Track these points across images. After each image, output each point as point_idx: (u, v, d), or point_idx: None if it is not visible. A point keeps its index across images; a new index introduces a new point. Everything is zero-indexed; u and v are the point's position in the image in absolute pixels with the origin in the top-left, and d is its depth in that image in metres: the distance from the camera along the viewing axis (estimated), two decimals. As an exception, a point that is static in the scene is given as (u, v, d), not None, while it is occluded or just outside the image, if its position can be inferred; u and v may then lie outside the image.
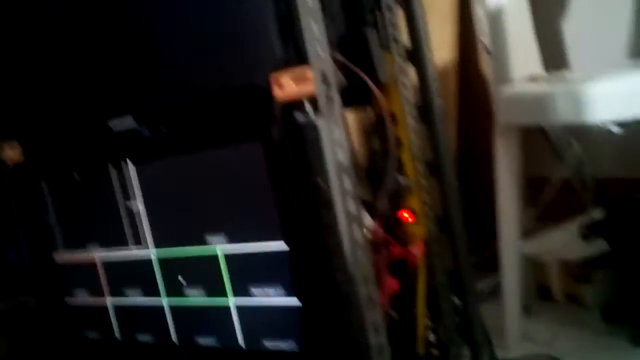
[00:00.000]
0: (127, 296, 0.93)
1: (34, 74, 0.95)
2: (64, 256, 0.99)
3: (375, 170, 0.87)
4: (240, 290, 0.80)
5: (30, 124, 0.97)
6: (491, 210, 1.26)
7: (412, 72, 0.92)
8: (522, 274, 1.20)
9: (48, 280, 1.04)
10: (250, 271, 0.79)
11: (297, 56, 0.69)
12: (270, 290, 0.77)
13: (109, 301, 0.95)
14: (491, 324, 1.11)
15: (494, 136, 1.20)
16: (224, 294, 0.82)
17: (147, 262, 0.89)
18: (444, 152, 0.94)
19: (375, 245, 0.82)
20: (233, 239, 0.79)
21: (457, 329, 0.95)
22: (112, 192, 0.89)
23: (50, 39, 0.91)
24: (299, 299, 0.75)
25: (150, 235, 0.87)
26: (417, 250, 0.87)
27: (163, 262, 0.87)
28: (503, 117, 1.15)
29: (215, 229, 0.80)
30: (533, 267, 1.48)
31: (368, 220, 0.81)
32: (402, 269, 0.87)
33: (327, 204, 0.72)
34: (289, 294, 0.76)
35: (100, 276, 0.95)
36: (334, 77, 0.71)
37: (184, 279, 0.85)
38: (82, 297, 0.99)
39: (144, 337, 0.93)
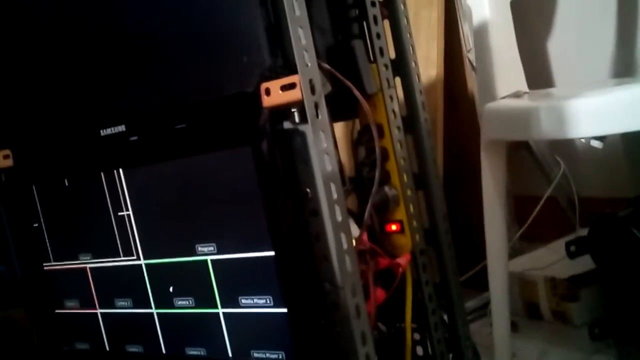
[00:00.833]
0: (117, 306, 0.92)
1: (25, 81, 0.95)
2: (55, 267, 0.98)
3: (362, 181, 0.88)
4: (230, 300, 0.80)
5: (22, 130, 0.97)
6: (479, 229, 1.26)
7: (398, 84, 0.93)
8: (509, 292, 1.20)
9: (38, 291, 1.03)
10: (239, 281, 0.78)
11: (285, 65, 0.70)
12: (259, 301, 0.77)
13: (99, 312, 0.94)
14: (479, 342, 1.11)
15: (480, 152, 1.22)
16: (213, 304, 0.81)
17: (138, 272, 0.88)
18: (430, 164, 0.95)
19: (363, 256, 0.82)
20: (222, 248, 0.79)
21: (446, 343, 0.95)
22: (103, 201, 0.89)
23: (39, 46, 0.92)
24: (288, 309, 0.74)
25: (140, 245, 0.87)
26: (403, 261, 0.87)
27: (153, 272, 0.87)
28: (488, 132, 1.16)
29: (205, 239, 0.80)
30: (521, 285, 1.49)
31: (355, 230, 0.81)
32: (389, 280, 0.87)
33: (315, 212, 0.72)
34: (278, 304, 0.75)
35: (91, 286, 0.95)
36: (322, 86, 0.72)
37: (173, 289, 0.85)
38: (72, 308, 0.99)
39: (134, 348, 0.92)
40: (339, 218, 0.72)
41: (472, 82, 1.48)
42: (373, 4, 0.89)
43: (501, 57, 1.22)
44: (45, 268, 1.01)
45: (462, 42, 1.48)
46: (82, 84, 0.88)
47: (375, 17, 0.89)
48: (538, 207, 1.55)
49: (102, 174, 0.89)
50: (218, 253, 0.79)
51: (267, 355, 0.77)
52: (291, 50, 0.69)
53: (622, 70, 1.50)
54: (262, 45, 0.71)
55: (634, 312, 1.14)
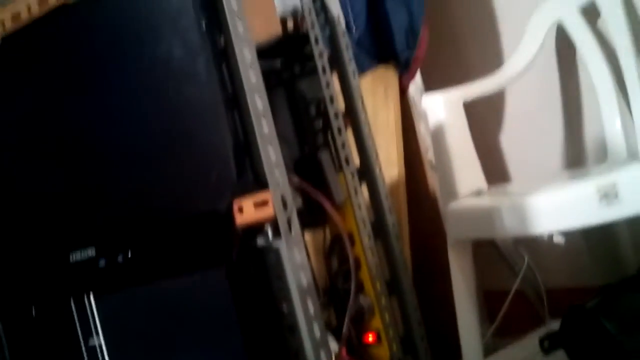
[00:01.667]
0: None
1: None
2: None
3: (337, 292, 0.87)
4: None
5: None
6: (452, 328, 1.25)
7: (364, 191, 0.94)
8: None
9: None
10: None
11: (256, 182, 0.70)
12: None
13: None
14: None
15: (445, 250, 1.23)
16: None
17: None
18: (402, 269, 0.95)
19: (342, 370, 0.80)
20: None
21: None
22: (73, 328, 0.85)
23: (5, 176, 0.90)
24: None
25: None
26: (383, 372, 0.85)
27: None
28: (453, 232, 1.17)
29: (179, 362, 0.77)
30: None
31: (333, 344, 0.79)
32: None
33: (292, 329, 0.70)
34: None
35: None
36: (293, 200, 0.72)
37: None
38: None
39: None
40: (317, 334, 0.70)
41: (433, 181, 1.51)
42: (336, 116, 0.91)
43: (459, 156, 1.26)
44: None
45: (420, 141, 1.52)
46: (49, 208, 0.86)
47: (339, 128, 0.91)
48: (507, 302, 1.55)
49: (71, 301, 0.85)
50: (193, 375, 0.76)
51: None
52: (261, 167, 0.70)
53: (573, 160, 1.56)
54: (232, 163, 0.71)
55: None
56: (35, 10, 0.82)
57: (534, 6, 1.49)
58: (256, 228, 0.71)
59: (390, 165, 1.39)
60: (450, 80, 1.41)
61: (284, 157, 0.75)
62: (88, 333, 0.84)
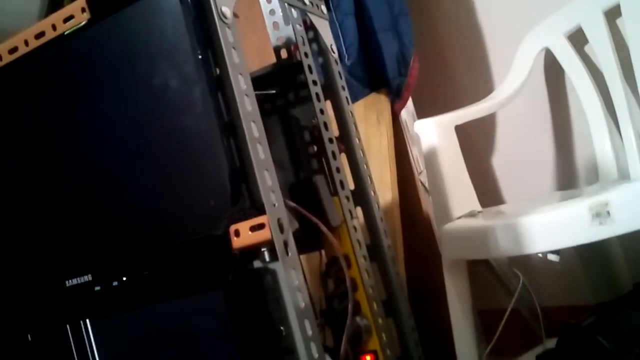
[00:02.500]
0: None
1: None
2: None
3: (333, 313, 0.88)
4: None
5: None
6: (449, 348, 1.26)
7: (360, 214, 0.96)
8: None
9: None
10: None
11: (252, 206, 0.72)
12: None
13: None
14: None
15: (440, 272, 1.24)
16: None
17: None
18: (398, 291, 0.96)
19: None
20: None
21: None
22: (69, 353, 0.85)
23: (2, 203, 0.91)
24: None
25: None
26: (381, 393, 0.85)
27: None
28: (448, 253, 1.19)
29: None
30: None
31: (331, 365, 0.80)
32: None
33: (290, 350, 0.71)
34: None
35: None
36: (289, 223, 0.74)
37: None
38: None
39: None
40: (315, 355, 0.71)
41: (426, 203, 1.53)
42: (330, 141, 0.93)
43: (452, 179, 1.28)
44: None
45: (413, 166, 1.54)
46: (46, 235, 0.87)
47: (333, 153, 0.93)
48: (503, 321, 1.56)
49: (67, 326, 0.86)
50: (192, 400, 0.77)
51: None
52: (258, 191, 0.72)
53: (564, 182, 1.59)
54: (228, 189, 0.73)
55: None
56: (33, 43, 0.85)
57: (523, 33, 1.53)
58: (253, 251, 0.72)
59: (384, 189, 1.41)
60: (442, 106, 1.44)
61: (280, 183, 0.76)
62: (84, 358, 0.84)
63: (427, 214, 1.55)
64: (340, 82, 0.99)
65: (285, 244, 0.72)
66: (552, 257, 1.02)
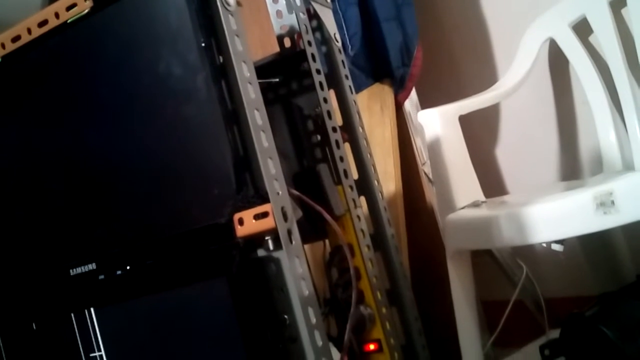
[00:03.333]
0: None
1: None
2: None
3: (337, 302, 0.88)
4: None
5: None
6: (453, 338, 1.26)
7: (363, 203, 0.96)
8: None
9: None
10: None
11: (256, 194, 0.72)
12: None
13: None
14: None
15: (444, 262, 1.24)
16: None
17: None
18: (401, 279, 0.96)
19: (344, 380, 0.80)
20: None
21: None
22: (74, 344, 0.86)
23: (5, 190, 0.91)
24: None
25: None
26: (385, 381, 0.86)
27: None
28: (452, 243, 1.19)
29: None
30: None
31: (335, 354, 0.80)
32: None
33: (294, 339, 0.71)
34: None
35: None
36: (293, 212, 0.74)
37: None
38: None
39: None
40: (319, 343, 0.71)
41: (430, 194, 1.53)
42: (334, 130, 0.93)
43: (456, 169, 1.28)
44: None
45: (417, 156, 1.54)
46: (50, 224, 0.88)
47: (337, 142, 0.93)
48: (506, 312, 1.56)
49: (72, 315, 0.86)
50: (196, 388, 0.77)
51: None
52: (261, 180, 0.71)
53: (568, 173, 1.58)
54: (232, 177, 0.73)
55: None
56: (36, 31, 0.84)
57: (527, 23, 1.52)
58: (257, 240, 0.72)
59: (387, 179, 1.41)
60: (446, 96, 1.44)
61: (284, 172, 0.76)
62: (89, 347, 0.85)
63: (430, 205, 1.55)
64: (344, 71, 0.99)
65: (289, 232, 0.72)
66: (556, 247, 1.02)
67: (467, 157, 1.32)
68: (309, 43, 0.93)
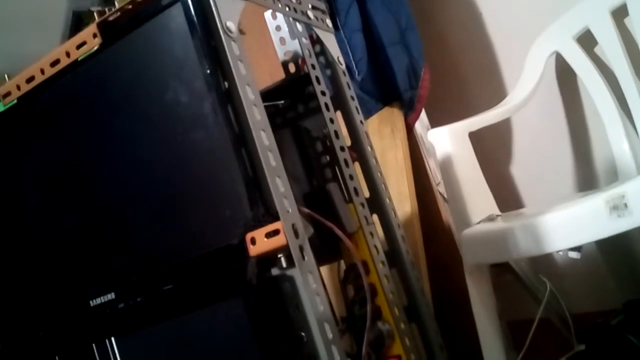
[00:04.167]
0: None
1: (10, 267, 0.95)
2: None
3: (354, 319, 0.88)
4: None
5: (9, 314, 0.96)
6: (477, 356, 1.25)
7: (376, 220, 0.96)
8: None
9: None
10: None
11: (267, 213, 0.73)
12: None
13: None
14: None
15: (464, 280, 1.23)
16: None
17: None
18: (419, 295, 0.96)
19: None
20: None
21: None
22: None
23: (25, 227, 0.93)
24: None
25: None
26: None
27: None
28: (469, 258, 1.18)
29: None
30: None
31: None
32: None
33: (312, 356, 0.71)
34: None
35: None
36: (304, 229, 0.74)
37: None
38: None
39: None
40: (337, 359, 0.71)
41: (446, 214, 1.53)
42: (342, 149, 0.95)
43: (469, 185, 1.28)
44: None
45: (430, 177, 1.54)
46: (67, 256, 0.89)
47: (346, 161, 0.94)
48: (532, 330, 1.54)
49: (93, 345, 0.87)
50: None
51: None
52: (271, 198, 0.73)
53: (584, 184, 1.58)
54: (243, 198, 0.74)
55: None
56: (49, 71, 0.88)
57: (531, 38, 1.54)
58: (270, 259, 0.73)
59: (402, 200, 1.41)
60: (456, 116, 1.45)
61: (295, 193, 0.77)
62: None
63: (447, 225, 1.55)
64: (349, 92, 1.01)
65: (301, 248, 0.72)
66: (573, 255, 1.01)
67: (479, 173, 1.33)
68: (313, 66, 0.95)
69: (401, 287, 0.95)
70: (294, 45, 0.98)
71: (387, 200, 0.99)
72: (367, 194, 0.98)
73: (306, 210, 0.80)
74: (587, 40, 1.47)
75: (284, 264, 0.72)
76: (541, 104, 1.56)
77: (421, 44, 1.53)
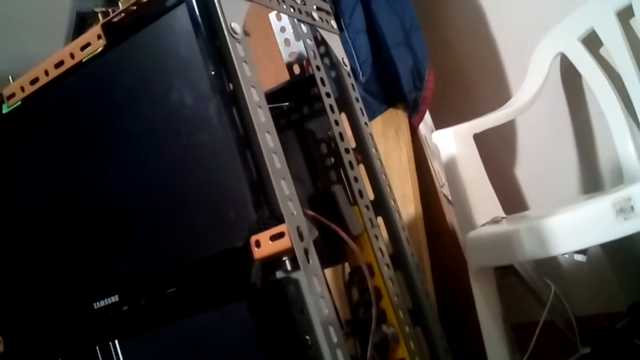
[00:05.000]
0: None
1: (15, 267, 0.95)
2: None
3: (359, 323, 0.87)
4: None
5: (13, 315, 0.96)
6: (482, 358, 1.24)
7: (380, 223, 0.96)
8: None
9: None
10: None
11: (271, 215, 0.72)
12: None
13: None
14: None
15: (468, 283, 1.22)
16: None
17: None
18: (424, 297, 0.95)
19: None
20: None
21: None
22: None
23: (28, 228, 0.93)
24: None
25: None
26: (412, 401, 0.84)
27: None
28: (474, 260, 1.18)
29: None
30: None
31: (359, 373, 0.79)
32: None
33: (316, 359, 0.71)
34: None
35: None
36: (309, 232, 0.74)
37: None
38: None
39: None
40: (342, 362, 0.71)
41: (451, 216, 1.53)
42: (347, 151, 0.94)
43: (473, 187, 1.28)
44: None
45: (435, 179, 1.54)
46: (71, 259, 0.89)
47: (350, 163, 0.93)
48: (536, 333, 1.53)
49: (97, 348, 0.87)
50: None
51: None
52: (276, 201, 0.72)
53: (589, 186, 1.57)
54: (247, 200, 0.73)
55: None
56: (53, 72, 0.87)
57: (536, 39, 1.53)
58: (275, 261, 0.72)
59: (407, 203, 1.41)
60: (460, 118, 1.44)
61: (299, 196, 0.77)
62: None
63: (452, 227, 1.54)
64: (354, 94, 1.00)
65: (306, 251, 0.72)
66: (579, 258, 1.01)
67: (484, 175, 1.32)
68: (318, 68, 0.95)
69: (406, 290, 0.95)
70: (298, 47, 0.98)
71: (392, 203, 0.98)
72: (371, 196, 0.97)
73: (311, 212, 0.80)
74: (592, 42, 1.46)
75: (289, 267, 0.71)
76: (546, 105, 1.56)
77: (426, 45, 1.53)
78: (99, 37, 0.84)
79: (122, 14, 0.81)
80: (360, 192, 0.93)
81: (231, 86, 0.75)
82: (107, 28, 0.83)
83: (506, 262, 1.26)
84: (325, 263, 0.84)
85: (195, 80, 0.77)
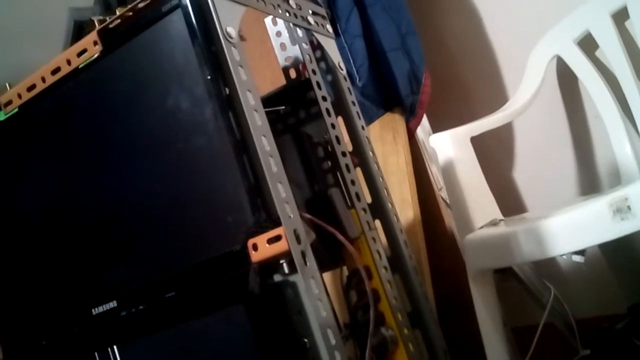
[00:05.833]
0: None
1: (12, 275, 0.95)
2: None
3: (357, 325, 0.87)
4: None
5: (11, 322, 0.96)
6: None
7: (378, 226, 0.96)
8: None
9: None
10: None
11: (268, 219, 0.72)
12: None
13: None
14: None
15: (467, 286, 1.22)
16: None
17: None
18: (422, 300, 0.95)
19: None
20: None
21: None
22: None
23: (27, 236, 0.93)
24: None
25: None
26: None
27: None
28: (472, 263, 1.18)
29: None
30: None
31: (358, 376, 0.79)
32: None
33: (314, 361, 0.71)
34: None
35: None
36: (306, 234, 0.74)
37: None
38: None
39: None
40: (340, 364, 0.71)
41: (449, 218, 1.53)
42: (343, 154, 0.94)
43: (471, 189, 1.28)
44: None
45: (433, 183, 1.54)
46: (69, 265, 0.89)
47: (347, 166, 0.94)
48: (537, 336, 1.53)
49: (96, 354, 0.87)
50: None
51: None
52: (272, 204, 0.72)
53: (587, 188, 1.57)
54: (244, 204, 0.74)
55: None
56: (50, 79, 0.88)
57: (532, 42, 1.54)
58: (272, 264, 0.72)
59: (405, 206, 1.41)
60: (458, 121, 1.45)
61: (296, 199, 0.77)
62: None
63: (450, 231, 1.54)
64: (350, 98, 1.01)
65: (303, 254, 0.72)
66: (577, 258, 1.01)
67: (481, 178, 1.32)
68: (314, 72, 0.95)
69: (404, 293, 0.95)
70: (294, 51, 0.98)
71: (390, 206, 0.98)
72: (369, 199, 0.98)
73: (308, 215, 0.80)
74: (588, 44, 1.47)
75: (286, 270, 0.71)
76: (543, 108, 1.56)
77: (422, 49, 1.53)
78: (96, 43, 0.84)
79: (119, 20, 0.82)
80: (357, 195, 0.93)
81: (227, 90, 0.76)
82: (104, 34, 0.83)
83: (504, 264, 1.26)
84: (323, 266, 0.84)
85: (191, 85, 0.77)
